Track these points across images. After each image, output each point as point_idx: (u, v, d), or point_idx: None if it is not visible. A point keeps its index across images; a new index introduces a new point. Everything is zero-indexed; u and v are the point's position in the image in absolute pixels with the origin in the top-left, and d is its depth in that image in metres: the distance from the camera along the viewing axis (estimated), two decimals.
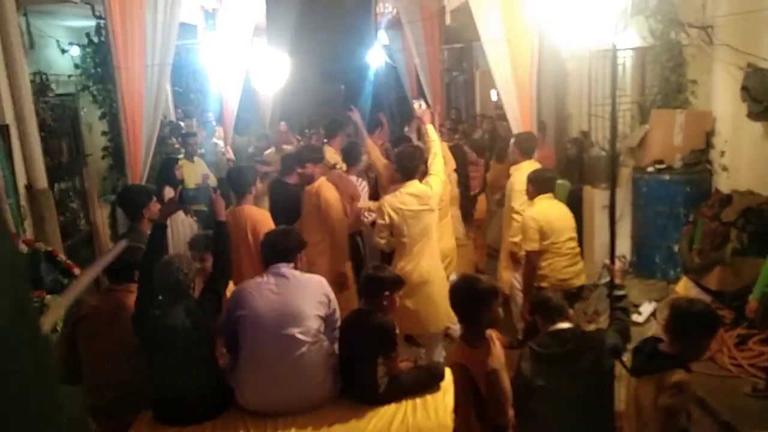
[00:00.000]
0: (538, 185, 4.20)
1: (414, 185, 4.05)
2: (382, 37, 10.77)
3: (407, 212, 3.99)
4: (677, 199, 5.44)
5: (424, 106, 4.94)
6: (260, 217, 4.08)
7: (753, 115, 4.60)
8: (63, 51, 6.59)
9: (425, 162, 4.21)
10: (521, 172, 4.65)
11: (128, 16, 4.53)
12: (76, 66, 6.56)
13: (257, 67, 7.81)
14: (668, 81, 5.74)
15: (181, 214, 5.59)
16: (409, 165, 4.08)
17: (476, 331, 2.67)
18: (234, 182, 4.24)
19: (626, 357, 2.89)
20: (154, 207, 3.87)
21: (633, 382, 2.71)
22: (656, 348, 2.60)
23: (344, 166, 5.17)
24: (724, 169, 5.30)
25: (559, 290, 3.75)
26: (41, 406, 0.73)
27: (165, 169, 5.63)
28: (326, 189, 4.44)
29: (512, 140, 4.95)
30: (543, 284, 4.16)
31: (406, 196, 4.01)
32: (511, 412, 2.69)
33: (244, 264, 3.94)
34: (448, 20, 8.95)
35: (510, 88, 5.11)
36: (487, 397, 2.56)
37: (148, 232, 3.47)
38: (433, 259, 4.14)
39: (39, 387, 0.72)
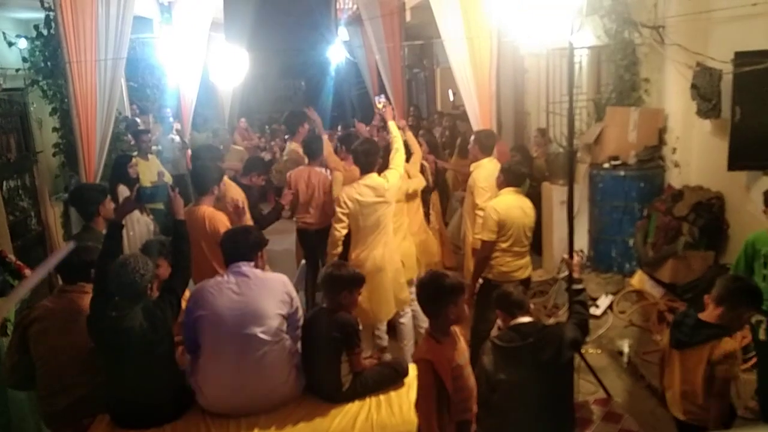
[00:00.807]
0: (509, 177, 4.21)
1: (371, 178, 4.26)
2: (343, 33, 10.72)
3: (363, 202, 4.19)
4: (632, 194, 5.60)
5: (384, 102, 4.98)
6: (217, 217, 4.01)
7: (702, 113, 4.75)
8: (10, 44, 6.32)
9: (382, 156, 4.41)
10: (482, 169, 4.70)
11: (79, 7, 4.39)
12: (25, 60, 6.31)
13: (215, 61, 7.69)
14: (622, 79, 5.89)
15: (137, 212, 5.45)
16: (365, 160, 4.29)
17: (442, 326, 2.69)
18: (197, 180, 4.16)
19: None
20: (109, 205, 3.81)
21: (675, 355, 2.89)
22: (701, 321, 2.82)
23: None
24: (676, 165, 5.48)
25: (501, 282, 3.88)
26: None
27: (119, 167, 5.48)
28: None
29: (472, 137, 5.00)
30: (486, 275, 4.22)
31: (363, 188, 4.22)
32: (474, 408, 2.72)
33: (202, 264, 3.87)
34: (408, 17, 8.98)
35: (470, 86, 5.16)
36: (451, 393, 2.58)
37: (103, 231, 3.45)
38: (387, 248, 4.32)
39: None
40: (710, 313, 2.82)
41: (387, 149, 4.65)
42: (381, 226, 4.26)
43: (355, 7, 9.51)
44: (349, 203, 4.18)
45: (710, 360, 2.72)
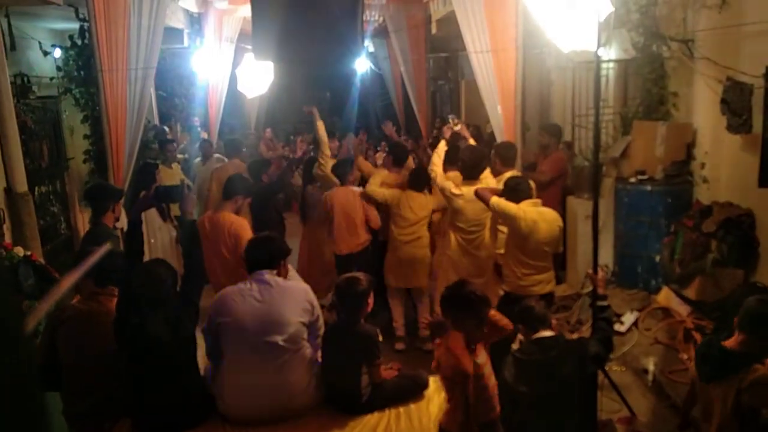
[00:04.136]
0: (512, 193, 4.08)
1: (480, 183, 4.52)
2: (369, 44, 10.80)
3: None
4: (659, 210, 5.50)
5: (459, 121, 5.13)
6: (240, 223, 4.07)
7: (732, 128, 4.67)
8: (45, 53, 6.49)
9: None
10: None
11: (112, 19, 4.50)
12: (59, 68, 6.47)
13: (243, 71, 7.80)
14: (650, 93, 5.82)
15: (159, 220, 5.53)
16: (478, 165, 4.58)
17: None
18: (226, 184, 4.23)
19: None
20: (119, 207, 4.04)
21: (706, 389, 2.76)
22: (725, 350, 2.66)
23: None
24: (705, 180, 5.37)
25: (520, 295, 3.86)
26: (22, 410, 0.71)
27: (143, 174, 5.57)
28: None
29: (492, 151, 4.95)
30: (504, 287, 4.15)
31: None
32: (498, 408, 2.71)
33: (227, 271, 3.91)
34: (434, 30, 9.01)
35: (495, 99, 5.15)
36: (473, 393, 2.59)
37: (111, 227, 3.84)
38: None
39: (20, 391, 0.71)
40: (734, 340, 2.65)
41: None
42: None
43: (381, 19, 9.58)
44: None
45: (739, 389, 2.58)
